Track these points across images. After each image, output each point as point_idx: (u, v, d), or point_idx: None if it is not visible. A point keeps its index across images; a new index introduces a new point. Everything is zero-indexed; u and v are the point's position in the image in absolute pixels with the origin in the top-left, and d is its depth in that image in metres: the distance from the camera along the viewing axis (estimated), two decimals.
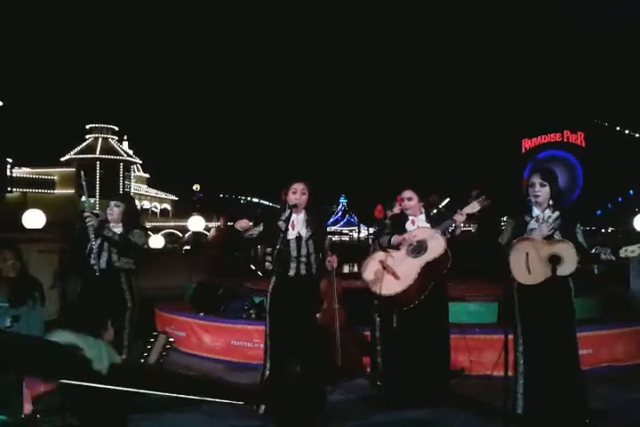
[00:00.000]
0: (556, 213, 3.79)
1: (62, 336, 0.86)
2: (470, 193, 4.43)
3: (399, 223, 4.58)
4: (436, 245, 4.24)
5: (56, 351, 0.85)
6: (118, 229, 4.59)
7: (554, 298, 3.71)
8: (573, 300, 3.80)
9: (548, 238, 3.73)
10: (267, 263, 4.20)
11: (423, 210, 4.60)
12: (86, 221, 4.47)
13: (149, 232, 5.06)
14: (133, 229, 4.65)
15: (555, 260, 3.58)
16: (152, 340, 3.87)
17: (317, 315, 4.07)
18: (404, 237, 4.35)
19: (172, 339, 4.07)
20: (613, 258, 3.51)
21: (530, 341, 3.78)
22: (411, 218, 4.56)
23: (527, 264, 3.67)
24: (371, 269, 4.42)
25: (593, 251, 3.76)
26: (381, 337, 4.79)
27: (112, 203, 4.65)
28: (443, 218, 4.43)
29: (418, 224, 4.51)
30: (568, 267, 3.60)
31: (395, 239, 4.41)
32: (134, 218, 4.80)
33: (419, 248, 4.30)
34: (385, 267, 4.34)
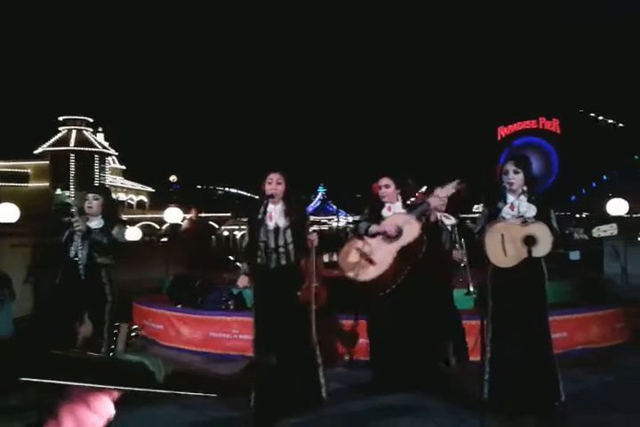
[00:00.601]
0: (531, 207, 3.82)
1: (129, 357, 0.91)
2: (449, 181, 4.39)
3: (376, 210, 4.62)
4: (411, 230, 4.28)
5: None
6: (97, 222, 4.52)
7: (527, 282, 3.75)
8: (546, 285, 3.83)
9: (523, 221, 3.77)
10: (249, 256, 4.17)
11: (399, 197, 4.64)
12: (75, 226, 4.39)
13: (127, 225, 4.96)
14: (114, 222, 4.59)
15: (530, 241, 3.61)
16: (115, 331, 3.83)
17: (298, 293, 4.06)
18: (385, 229, 4.37)
19: (135, 326, 4.03)
20: (586, 237, 3.55)
21: (499, 326, 3.81)
22: (387, 205, 4.60)
23: (503, 246, 3.69)
24: (348, 257, 4.44)
25: (567, 232, 3.79)
26: (369, 324, 4.81)
27: (90, 195, 4.55)
28: (421, 204, 4.46)
29: (394, 211, 4.56)
30: (543, 248, 3.62)
31: (373, 229, 4.43)
32: (113, 210, 4.74)
33: (394, 233, 4.33)
34: (362, 254, 4.36)
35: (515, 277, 3.71)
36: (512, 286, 3.75)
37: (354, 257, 4.41)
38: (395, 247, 4.30)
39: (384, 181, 4.62)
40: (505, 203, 3.89)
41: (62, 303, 4.50)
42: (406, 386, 4.38)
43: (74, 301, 4.41)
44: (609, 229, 3.53)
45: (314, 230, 4.11)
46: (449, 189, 4.23)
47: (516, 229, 3.69)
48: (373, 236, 4.45)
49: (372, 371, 4.66)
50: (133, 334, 3.76)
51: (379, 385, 4.47)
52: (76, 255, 4.41)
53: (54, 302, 4.61)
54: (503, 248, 3.70)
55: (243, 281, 4.23)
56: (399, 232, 4.33)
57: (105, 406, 0.88)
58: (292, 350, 3.98)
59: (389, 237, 4.36)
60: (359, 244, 4.46)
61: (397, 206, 4.59)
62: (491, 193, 4.19)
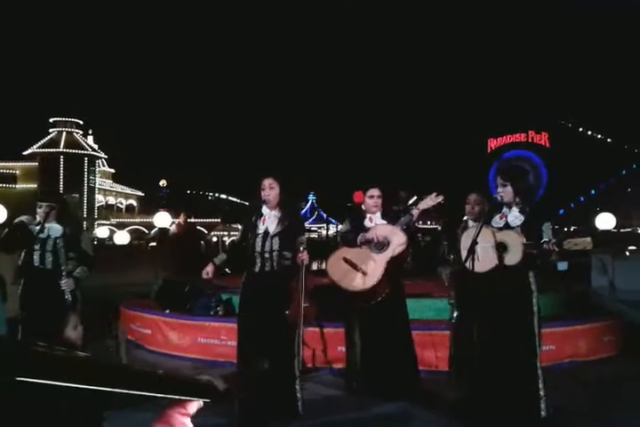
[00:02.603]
0: (519, 217, 3.84)
1: None
2: (430, 193, 4.53)
3: (358, 220, 4.66)
4: (399, 241, 4.35)
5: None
6: (57, 229, 4.46)
7: (510, 293, 3.75)
8: (534, 297, 3.78)
9: (499, 228, 3.81)
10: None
11: (381, 208, 4.70)
12: (37, 234, 4.39)
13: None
14: (75, 229, 4.54)
15: (501, 247, 3.64)
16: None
17: (286, 312, 4.05)
18: (372, 237, 4.39)
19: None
20: (556, 249, 3.54)
21: (480, 334, 3.83)
22: (368, 215, 4.66)
23: (475, 251, 3.71)
24: (336, 266, 4.45)
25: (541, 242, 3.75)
26: (350, 333, 4.81)
27: (44, 204, 4.43)
28: (399, 215, 4.57)
29: (375, 221, 4.61)
30: (513, 256, 3.62)
31: (361, 238, 4.46)
32: (70, 215, 4.68)
33: (381, 244, 4.38)
34: (351, 264, 4.38)
35: (495, 285, 3.71)
36: (497, 299, 3.75)
37: (343, 266, 4.42)
38: (384, 258, 4.35)
39: (375, 191, 4.66)
40: (498, 212, 3.93)
41: (31, 309, 4.43)
42: (393, 396, 4.40)
43: (41, 307, 4.35)
44: (581, 243, 3.50)
45: (304, 248, 4.08)
46: (427, 202, 4.35)
47: (490, 236, 3.72)
48: (361, 246, 4.48)
49: (352, 381, 4.68)
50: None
51: (367, 394, 4.47)
52: (40, 263, 4.37)
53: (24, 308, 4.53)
54: (476, 253, 3.72)
55: (207, 271, 4.17)
56: (387, 243, 4.36)
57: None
58: (272, 360, 3.96)
59: (377, 248, 4.39)
60: (348, 253, 4.47)
61: (378, 217, 4.65)
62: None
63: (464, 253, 3.74)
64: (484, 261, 3.69)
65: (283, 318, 4.02)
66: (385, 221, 4.58)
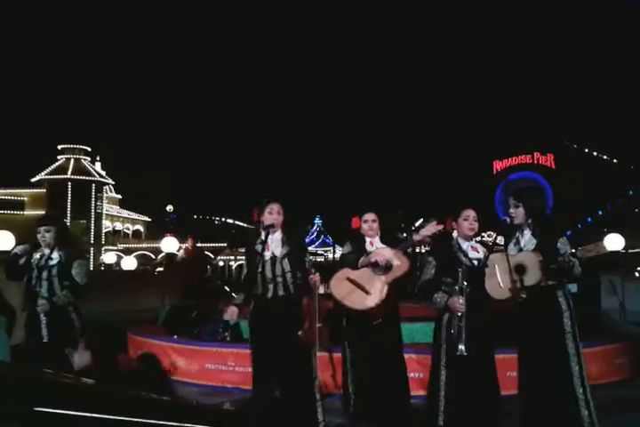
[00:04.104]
0: (532, 241, 3.81)
1: None
2: (426, 218, 4.58)
3: (359, 244, 4.70)
4: (401, 264, 4.40)
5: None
6: (55, 256, 4.47)
7: (543, 315, 3.70)
8: (567, 315, 3.72)
9: (516, 251, 3.78)
10: (249, 286, 4.15)
11: (379, 232, 4.74)
12: (32, 261, 4.41)
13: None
14: (72, 256, 4.54)
15: (520, 269, 3.60)
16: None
17: (299, 333, 4.04)
18: (376, 259, 4.42)
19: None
20: (571, 259, 3.52)
21: (526, 360, 3.80)
22: (368, 240, 4.70)
23: (497, 278, 3.69)
24: (340, 285, 4.47)
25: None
26: (345, 358, 4.80)
27: (42, 229, 4.45)
28: (399, 239, 4.66)
29: (376, 245, 4.66)
30: (532, 275, 3.58)
31: (364, 260, 4.49)
32: (69, 241, 4.67)
33: (385, 266, 4.42)
34: (355, 283, 4.42)
35: (529, 312, 3.67)
36: (530, 321, 3.71)
37: (346, 286, 4.44)
38: (386, 280, 4.38)
39: (371, 216, 4.72)
40: (513, 237, 3.89)
41: (34, 337, 4.42)
42: (377, 421, 4.39)
43: (43, 338, 4.34)
44: (594, 249, 3.52)
45: (314, 264, 4.10)
46: (430, 229, 4.37)
47: (507, 260, 3.68)
48: (362, 267, 4.50)
49: (347, 406, 4.66)
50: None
51: (364, 418, 4.48)
52: (38, 289, 4.38)
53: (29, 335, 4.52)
54: (498, 280, 3.70)
55: (232, 313, 4.10)
56: (389, 265, 4.40)
57: None
58: (290, 385, 3.93)
59: (381, 270, 4.42)
60: (351, 274, 4.50)
61: (377, 240, 4.71)
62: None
63: (487, 283, 3.74)
64: (506, 286, 3.65)
65: (295, 342, 4.00)
66: (384, 245, 4.63)
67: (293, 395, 3.92)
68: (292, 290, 4.06)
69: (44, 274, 4.39)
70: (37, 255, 4.45)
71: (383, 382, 4.50)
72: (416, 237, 4.48)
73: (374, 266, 4.44)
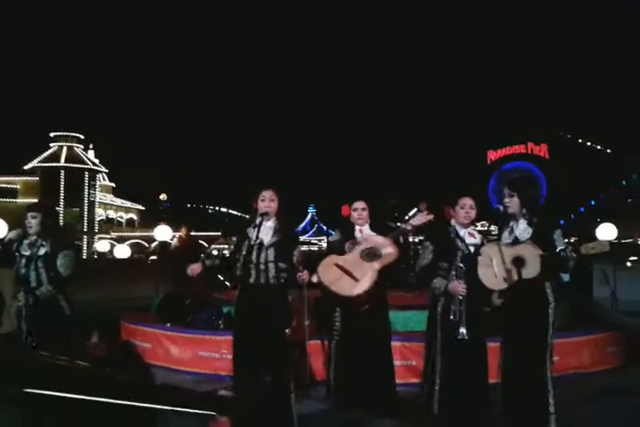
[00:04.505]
0: (527, 230, 3.80)
1: None
2: (418, 205, 4.57)
3: (348, 232, 4.73)
4: (390, 253, 4.42)
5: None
6: (41, 246, 4.42)
7: (530, 307, 3.68)
8: (550, 309, 3.70)
9: (512, 242, 3.76)
10: (237, 271, 4.12)
11: (369, 220, 4.76)
12: (21, 251, 4.38)
13: (73, 248, 4.82)
14: (59, 244, 4.50)
15: (518, 262, 3.57)
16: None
17: (287, 331, 4.04)
18: (363, 244, 4.47)
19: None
20: (574, 255, 3.51)
21: (508, 349, 3.80)
22: (358, 227, 4.73)
23: (493, 269, 3.68)
24: (328, 271, 4.47)
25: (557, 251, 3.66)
26: (331, 346, 4.82)
27: (29, 214, 4.40)
28: (389, 227, 4.69)
29: (365, 233, 4.69)
30: (532, 269, 3.56)
31: (350, 244, 4.54)
32: (55, 228, 4.62)
33: (373, 253, 4.43)
34: (342, 269, 4.42)
35: (517, 301, 3.65)
36: (516, 311, 3.69)
37: (334, 272, 4.45)
38: (375, 267, 4.39)
39: (360, 204, 4.74)
40: (507, 226, 3.89)
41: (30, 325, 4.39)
42: (362, 409, 4.42)
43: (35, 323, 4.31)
44: (598, 246, 3.48)
45: (302, 261, 4.07)
46: (420, 218, 4.43)
47: (505, 251, 3.66)
48: (349, 251, 4.52)
49: (331, 393, 4.69)
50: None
51: (348, 406, 4.51)
52: (26, 281, 4.35)
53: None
54: (494, 271, 3.69)
55: (194, 266, 4.16)
56: (377, 254, 4.41)
57: None
58: (267, 375, 3.91)
59: (369, 257, 4.43)
60: (340, 260, 4.50)
61: (367, 229, 4.72)
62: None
63: (482, 273, 3.73)
64: (502, 277, 3.63)
65: (278, 333, 3.99)
66: (374, 233, 4.65)
67: (270, 385, 3.90)
68: (272, 280, 4.00)
69: (32, 264, 4.36)
70: (26, 243, 4.41)
71: (369, 370, 4.53)
72: (406, 227, 4.50)
73: (363, 252, 4.45)
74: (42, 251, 4.39)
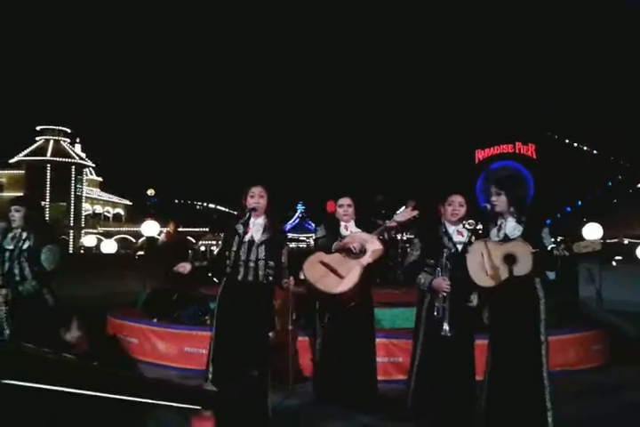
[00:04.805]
0: (517, 228, 3.80)
1: None
2: (406, 202, 4.60)
3: (334, 228, 4.73)
4: (375, 249, 4.44)
5: None
6: (25, 240, 4.37)
7: (520, 303, 3.68)
8: (541, 306, 3.71)
9: (503, 239, 3.77)
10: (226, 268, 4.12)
11: (354, 216, 4.78)
12: (4, 244, 4.33)
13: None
14: (43, 239, 4.45)
15: (509, 259, 3.57)
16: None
17: (270, 334, 4.04)
18: (349, 243, 4.46)
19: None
20: (567, 253, 3.51)
21: (496, 347, 3.79)
22: (343, 224, 4.74)
23: (483, 266, 3.68)
24: (313, 269, 4.48)
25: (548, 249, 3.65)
26: (316, 342, 4.84)
27: (12, 208, 4.37)
28: (374, 224, 4.68)
29: (351, 229, 4.70)
30: (523, 266, 3.56)
31: (337, 245, 4.52)
32: (39, 222, 4.57)
33: (358, 251, 4.44)
34: (328, 266, 4.43)
35: (507, 298, 3.64)
36: (506, 308, 3.69)
37: (320, 269, 4.46)
38: (360, 264, 4.40)
39: (346, 200, 4.76)
40: (495, 225, 3.89)
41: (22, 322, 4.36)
42: (345, 405, 4.45)
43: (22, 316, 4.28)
44: (590, 245, 3.49)
45: (287, 273, 4.09)
46: (404, 214, 4.43)
47: (496, 249, 3.67)
48: (337, 252, 4.53)
49: (317, 389, 4.72)
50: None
51: (331, 401, 4.55)
52: (10, 274, 4.30)
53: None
54: (484, 268, 3.69)
55: (185, 264, 4.16)
56: (363, 250, 4.42)
57: None
58: (244, 373, 3.90)
59: (354, 254, 4.43)
60: (325, 258, 4.51)
61: (352, 225, 4.74)
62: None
63: (472, 270, 3.73)
64: (493, 274, 3.64)
65: (262, 330, 3.98)
66: (360, 230, 4.66)
67: (247, 385, 3.89)
68: (261, 278, 4.01)
69: (16, 258, 4.30)
70: (9, 236, 4.36)
71: (353, 366, 4.55)
72: (391, 223, 4.51)
73: (348, 250, 4.45)
74: (25, 245, 4.33)
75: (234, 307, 3.96)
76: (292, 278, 4.06)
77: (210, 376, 3.95)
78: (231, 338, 3.91)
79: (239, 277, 3.98)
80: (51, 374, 0.78)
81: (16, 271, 4.28)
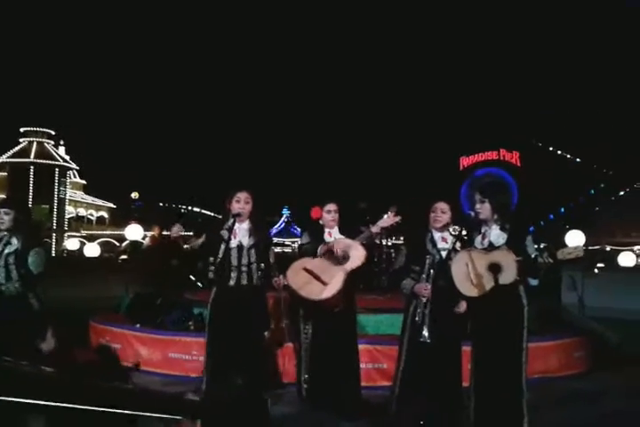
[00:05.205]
0: (501, 235, 3.82)
1: None
2: (388, 208, 4.65)
3: (318, 234, 4.74)
4: (359, 255, 4.44)
5: None
6: (12, 243, 4.36)
7: (504, 311, 3.70)
8: (525, 312, 3.74)
9: (487, 248, 3.80)
10: (209, 273, 4.10)
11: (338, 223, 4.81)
12: None
13: (43, 247, 4.75)
14: (30, 242, 4.43)
15: (494, 268, 3.59)
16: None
17: (265, 333, 4.04)
18: (333, 249, 4.47)
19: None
20: (551, 260, 3.54)
21: (481, 354, 3.79)
22: (327, 230, 4.75)
23: (469, 275, 3.70)
24: (297, 276, 4.48)
25: (532, 256, 3.67)
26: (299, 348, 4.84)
27: (1, 210, 4.33)
28: (358, 230, 4.68)
29: (334, 236, 4.71)
30: (508, 275, 3.58)
31: (322, 250, 4.53)
32: (27, 225, 4.55)
33: (341, 257, 4.45)
34: (311, 273, 4.43)
35: (491, 304, 3.65)
36: (490, 314, 3.70)
37: (303, 276, 4.45)
38: (343, 270, 4.41)
39: (332, 206, 4.76)
40: (479, 232, 3.92)
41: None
42: (329, 411, 4.44)
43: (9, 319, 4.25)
44: (574, 251, 3.51)
45: (278, 272, 4.10)
46: (387, 220, 4.47)
47: (480, 258, 3.68)
48: (321, 257, 4.53)
49: (300, 395, 4.69)
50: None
51: (317, 407, 4.53)
52: None
53: None
54: (470, 277, 3.71)
55: (175, 229, 4.24)
56: (346, 256, 4.43)
57: None
58: (245, 376, 3.92)
59: (337, 260, 4.45)
60: (308, 264, 4.51)
61: (336, 231, 4.75)
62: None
63: (457, 279, 3.74)
64: (478, 284, 3.64)
65: (258, 334, 4.00)
66: (343, 236, 4.68)
67: (247, 384, 3.91)
68: (255, 281, 4.07)
69: (2, 261, 4.28)
70: None
71: (337, 371, 4.55)
72: (374, 229, 4.53)
73: (331, 256, 4.47)
74: (12, 248, 4.31)
75: (231, 312, 3.98)
76: (281, 277, 4.08)
77: (204, 387, 3.96)
78: (228, 343, 3.92)
79: (232, 283, 4.01)
80: (29, 388, 0.78)
81: (2, 274, 4.24)
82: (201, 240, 4.24)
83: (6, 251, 4.29)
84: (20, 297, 4.28)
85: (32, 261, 4.30)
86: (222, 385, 3.84)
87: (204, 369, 4.03)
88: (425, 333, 3.85)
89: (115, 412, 0.93)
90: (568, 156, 41.88)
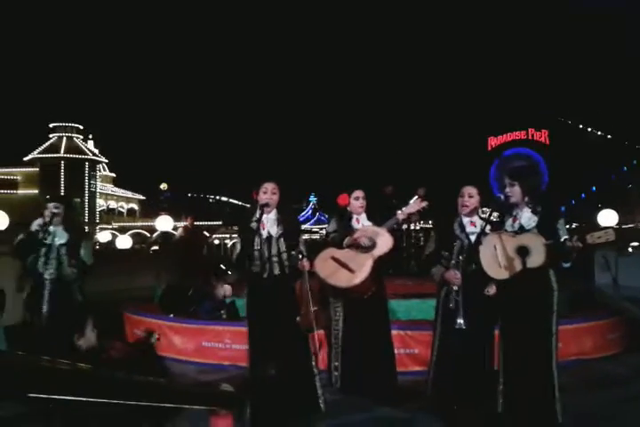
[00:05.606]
0: (532, 218, 3.78)
1: None
2: (416, 192, 4.62)
3: (345, 221, 4.75)
4: (385, 242, 4.44)
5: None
6: (61, 235, 4.53)
7: (534, 294, 3.67)
8: (555, 297, 3.71)
9: (516, 231, 3.76)
10: (243, 264, 4.16)
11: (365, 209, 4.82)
12: (42, 240, 4.44)
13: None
14: (79, 236, 4.60)
15: (522, 251, 3.57)
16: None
17: (297, 318, 4.09)
18: (359, 238, 4.47)
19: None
20: (580, 245, 3.48)
21: (509, 338, 3.77)
22: (355, 216, 4.76)
23: (497, 258, 3.67)
24: (324, 264, 4.50)
25: (561, 240, 3.62)
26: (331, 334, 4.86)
27: (51, 205, 4.53)
28: (385, 216, 4.68)
29: (362, 222, 4.73)
30: (537, 258, 3.55)
31: (348, 240, 4.52)
32: (75, 221, 4.79)
33: (368, 244, 4.46)
34: (338, 261, 4.45)
35: (521, 288, 3.63)
36: (519, 298, 3.68)
37: (331, 264, 4.48)
38: (370, 257, 4.42)
39: (360, 193, 4.78)
40: (510, 215, 3.88)
41: (34, 317, 4.50)
42: (363, 396, 4.48)
43: (47, 314, 4.41)
44: (604, 236, 3.44)
45: (303, 255, 4.13)
46: (414, 206, 4.50)
47: (509, 241, 3.66)
48: (348, 247, 4.53)
49: (333, 380, 4.73)
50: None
51: (352, 393, 4.57)
52: (45, 270, 4.43)
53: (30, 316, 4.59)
54: (497, 260, 3.68)
55: (227, 290, 4.48)
56: (373, 244, 4.43)
57: None
58: (289, 361, 3.99)
59: (364, 248, 4.45)
60: (336, 253, 4.53)
61: (364, 218, 4.77)
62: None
63: (485, 262, 3.73)
64: (506, 267, 3.63)
65: (294, 323, 4.05)
66: (371, 223, 4.69)
67: (293, 372, 3.98)
68: (287, 270, 4.10)
69: (53, 253, 4.47)
70: (47, 232, 4.50)
71: (371, 357, 4.58)
72: (400, 216, 4.54)
73: (358, 245, 4.48)
74: (63, 240, 4.55)
75: (266, 303, 4.03)
76: (306, 260, 4.10)
77: (251, 373, 4.03)
78: (270, 332, 3.98)
79: (265, 275, 4.04)
80: (67, 385, 0.80)
81: (53, 266, 4.49)
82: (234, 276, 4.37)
83: (58, 243, 4.49)
84: (66, 289, 4.50)
85: (85, 253, 4.60)
86: (268, 371, 3.91)
87: (249, 359, 4.10)
88: (460, 320, 3.85)
89: (151, 406, 0.94)
90: (599, 133, 40.96)
